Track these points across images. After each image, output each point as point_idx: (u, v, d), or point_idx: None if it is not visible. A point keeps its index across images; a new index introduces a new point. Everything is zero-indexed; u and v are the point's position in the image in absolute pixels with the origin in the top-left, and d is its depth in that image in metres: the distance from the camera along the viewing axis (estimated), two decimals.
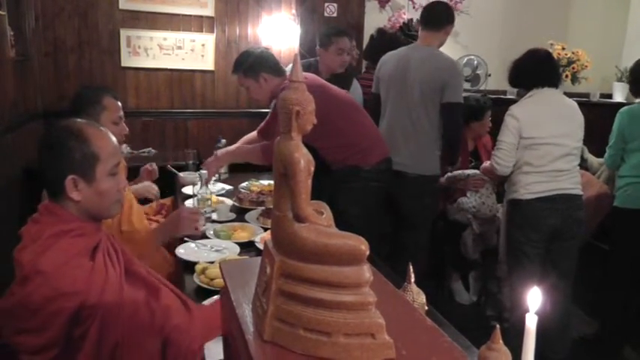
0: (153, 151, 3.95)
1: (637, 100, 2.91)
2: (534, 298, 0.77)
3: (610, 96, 4.65)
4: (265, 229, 2.15)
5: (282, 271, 0.77)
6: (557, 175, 2.46)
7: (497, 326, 0.77)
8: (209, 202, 2.42)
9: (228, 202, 2.60)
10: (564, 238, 2.52)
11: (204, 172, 2.53)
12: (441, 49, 2.80)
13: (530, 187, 2.46)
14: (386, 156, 2.58)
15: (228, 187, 2.93)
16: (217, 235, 2.12)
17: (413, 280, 0.98)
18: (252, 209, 2.46)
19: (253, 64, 2.41)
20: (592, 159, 3.24)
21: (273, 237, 0.81)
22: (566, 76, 4.24)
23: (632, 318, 2.91)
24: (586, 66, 4.29)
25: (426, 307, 0.97)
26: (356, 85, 3.38)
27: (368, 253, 0.71)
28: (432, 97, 2.66)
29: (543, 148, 2.44)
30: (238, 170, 3.22)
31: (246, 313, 0.86)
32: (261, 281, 0.83)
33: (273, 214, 0.80)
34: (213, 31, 4.03)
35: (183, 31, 3.98)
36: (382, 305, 0.75)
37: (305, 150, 0.76)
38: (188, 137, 4.14)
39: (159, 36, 3.96)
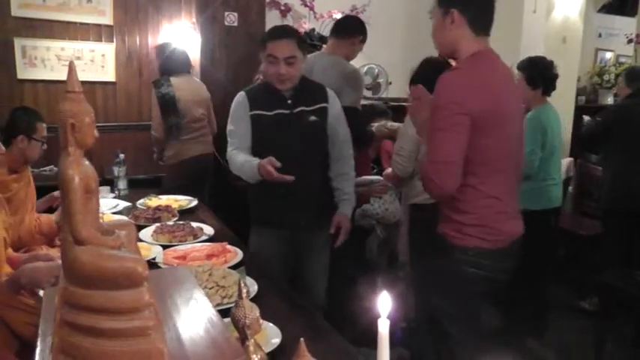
0: (55, 168, 3.72)
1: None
2: (384, 304, 0.75)
3: None
4: (164, 247, 2.05)
5: (64, 299, 0.71)
6: None
7: (302, 340, 0.75)
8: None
9: (125, 219, 2.48)
10: None
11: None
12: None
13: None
14: None
15: (126, 203, 2.80)
16: None
17: (245, 295, 0.94)
18: (147, 226, 2.35)
19: None
20: None
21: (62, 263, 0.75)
22: None
23: (533, 311, 3.05)
24: None
25: (261, 322, 0.93)
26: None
27: (146, 274, 0.66)
28: None
29: None
30: (138, 186, 3.09)
31: (46, 346, 0.79)
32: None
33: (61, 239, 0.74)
34: (112, 41, 3.86)
35: (81, 41, 3.79)
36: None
37: (86, 167, 0.71)
38: (91, 153, 3.87)
39: (56, 46, 3.75)
